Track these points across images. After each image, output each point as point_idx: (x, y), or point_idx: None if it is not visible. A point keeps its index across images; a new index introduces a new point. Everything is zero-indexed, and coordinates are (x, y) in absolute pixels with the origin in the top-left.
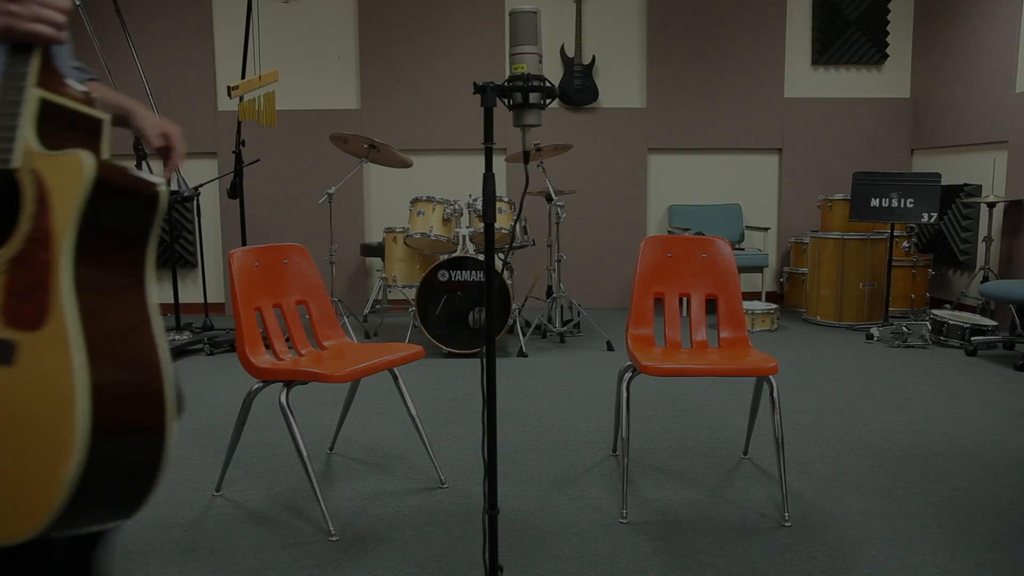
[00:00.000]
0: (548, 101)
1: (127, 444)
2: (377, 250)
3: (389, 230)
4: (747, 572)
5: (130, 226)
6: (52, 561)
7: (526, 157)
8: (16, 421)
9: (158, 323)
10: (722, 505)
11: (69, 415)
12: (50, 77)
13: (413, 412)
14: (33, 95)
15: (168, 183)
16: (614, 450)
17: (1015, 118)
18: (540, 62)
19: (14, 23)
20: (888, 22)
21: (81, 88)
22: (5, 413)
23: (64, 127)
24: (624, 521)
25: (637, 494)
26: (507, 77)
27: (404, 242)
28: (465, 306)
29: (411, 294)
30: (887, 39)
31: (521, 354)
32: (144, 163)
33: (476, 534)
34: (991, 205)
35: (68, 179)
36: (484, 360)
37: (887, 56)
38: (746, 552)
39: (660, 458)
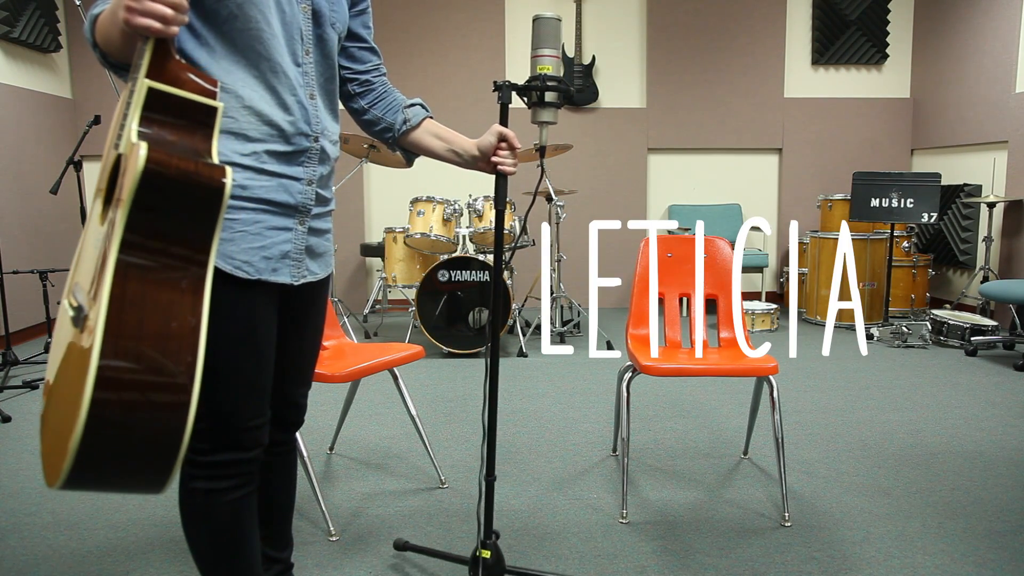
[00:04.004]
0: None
1: (134, 427)
2: (377, 250)
3: (389, 230)
4: (747, 572)
5: (187, 218)
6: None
7: (542, 152)
8: (68, 383)
9: (204, 316)
10: (722, 505)
11: (82, 390)
12: (167, 67)
13: (413, 412)
14: (143, 85)
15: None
16: (614, 450)
17: (1015, 118)
18: (561, 65)
19: (128, 17)
20: (888, 22)
21: (201, 78)
22: (67, 373)
23: (173, 115)
24: (624, 521)
25: (637, 494)
26: (528, 77)
27: (404, 242)
28: (465, 306)
29: (411, 294)
30: (887, 39)
31: (521, 354)
32: None
33: (476, 534)
34: (991, 205)
35: (132, 168)
36: (487, 356)
37: (887, 56)
38: (746, 552)
39: (660, 458)
